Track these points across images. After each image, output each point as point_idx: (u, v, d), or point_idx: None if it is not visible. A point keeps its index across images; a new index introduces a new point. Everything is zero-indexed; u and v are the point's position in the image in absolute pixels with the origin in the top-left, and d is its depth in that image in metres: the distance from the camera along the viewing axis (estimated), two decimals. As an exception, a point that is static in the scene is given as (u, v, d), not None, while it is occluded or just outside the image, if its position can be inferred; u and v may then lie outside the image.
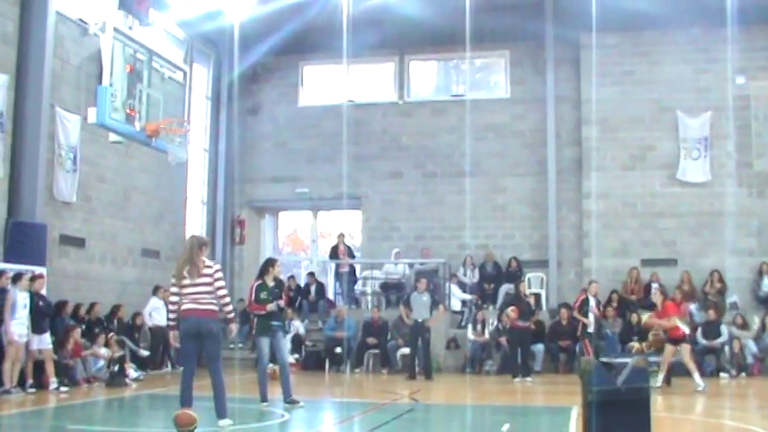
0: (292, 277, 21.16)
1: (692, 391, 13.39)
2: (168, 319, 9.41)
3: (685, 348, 13.95)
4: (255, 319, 11.41)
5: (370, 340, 18.29)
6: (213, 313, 8.85)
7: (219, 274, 8.89)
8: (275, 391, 11.53)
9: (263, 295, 11.24)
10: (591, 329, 16.49)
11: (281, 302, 11.37)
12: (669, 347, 14.09)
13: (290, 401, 11.13)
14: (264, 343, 11.31)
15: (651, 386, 13.24)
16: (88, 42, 16.31)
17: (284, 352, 11.52)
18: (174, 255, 19.85)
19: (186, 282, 8.76)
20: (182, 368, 9.04)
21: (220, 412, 8.87)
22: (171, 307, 9.13)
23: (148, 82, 13.24)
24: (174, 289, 8.94)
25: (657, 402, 11.47)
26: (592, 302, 16.58)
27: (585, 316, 16.46)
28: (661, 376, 13.98)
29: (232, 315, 9.41)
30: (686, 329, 14.01)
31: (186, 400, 8.82)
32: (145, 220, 19.04)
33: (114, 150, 17.04)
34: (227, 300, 9.09)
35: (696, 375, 13.78)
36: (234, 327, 9.36)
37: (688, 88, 19.88)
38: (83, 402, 12.11)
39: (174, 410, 8.11)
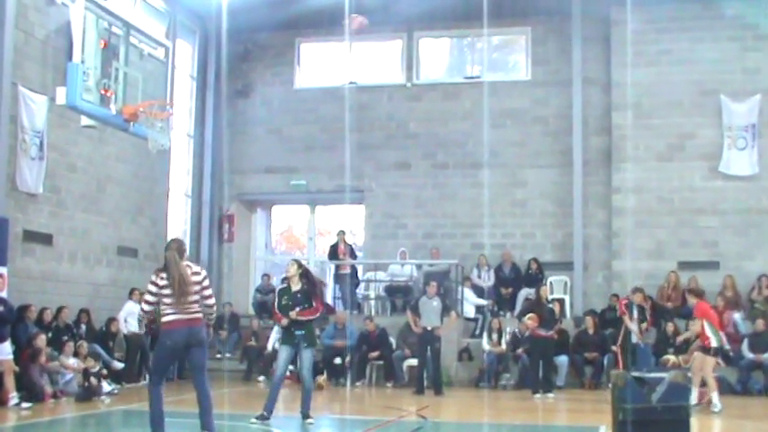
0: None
1: (719, 412, 13.13)
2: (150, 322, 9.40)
3: (709, 362, 13.54)
4: (280, 328, 11.72)
5: (373, 355, 18.18)
6: (201, 321, 8.93)
7: (207, 282, 8.98)
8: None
9: (284, 301, 11.42)
10: (635, 339, 16.29)
11: (296, 313, 11.30)
12: (699, 356, 13.68)
13: (305, 416, 11.33)
14: (283, 353, 11.45)
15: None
16: (56, 13, 16.22)
17: (307, 368, 11.51)
18: (154, 253, 19.87)
19: (170, 291, 8.70)
20: (152, 389, 8.92)
21: (209, 425, 8.83)
22: (145, 315, 9.26)
23: (125, 59, 13.17)
24: (152, 298, 8.82)
25: (696, 424, 11.33)
26: (635, 312, 16.36)
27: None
28: (695, 391, 13.47)
29: (213, 323, 9.54)
30: (714, 340, 13.64)
31: (160, 423, 8.77)
32: (121, 215, 18.97)
33: (86, 136, 16.94)
34: (215, 309, 9.21)
35: (715, 395, 13.43)
36: (210, 332, 9.35)
37: (734, 69, 19.72)
38: (48, 420, 12.03)
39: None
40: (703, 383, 13.86)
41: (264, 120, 22.52)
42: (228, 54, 21.88)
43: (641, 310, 16.51)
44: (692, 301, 14.46)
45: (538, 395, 15.73)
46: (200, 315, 8.86)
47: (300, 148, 22.12)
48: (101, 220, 18.25)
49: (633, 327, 16.20)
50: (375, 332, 18.33)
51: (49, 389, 14.00)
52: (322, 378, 17.23)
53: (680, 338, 15.43)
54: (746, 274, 18.97)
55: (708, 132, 19.76)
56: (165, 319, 8.78)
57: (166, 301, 8.72)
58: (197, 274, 8.85)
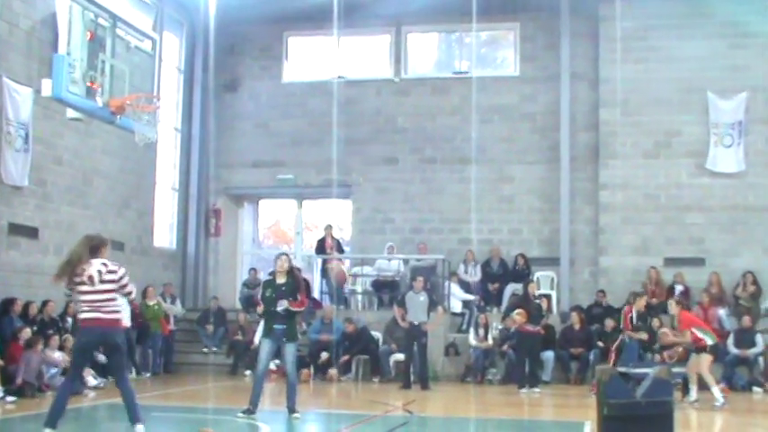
0: (298, 269, 20.95)
1: (711, 408, 13.25)
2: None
3: (705, 359, 13.79)
4: (261, 321, 11.84)
5: (358, 357, 18.15)
6: (118, 322, 8.92)
7: (126, 279, 8.93)
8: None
9: (268, 293, 11.47)
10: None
11: (284, 304, 11.33)
12: (694, 357, 13.98)
13: (290, 410, 11.36)
14: (265, 346, 11.45)
15: (687, 401, 13.28)
16: (41, 4, 16.11)
17: (290, 362, 11.52)
18: (141, 247, 19.86)
19: (85, 288, 8.72)
20: (63, 381, 8.98)
21: (136, 416, 8.80)
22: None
23: (112, 52, 13.10)
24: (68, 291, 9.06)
25: (680, 419, 11.38)
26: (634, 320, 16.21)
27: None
28: (694, 389, 13.85)
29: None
30: (708, 339, 13.85)
31: (56, 418, 8.74)
32: (107, 208, 18.89)
33: (73, 128, 16.85)
34: (132, 288, 9.16)
35: (715, 389, 13.61)
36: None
37: (721, 66, 19.77)
38: (34, 414, 11.95)
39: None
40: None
41: (252, 114, 22.47)
42: (216, 47, 21.84)
43: (644, 318, 16.20)
44: (673, 309, 14.44)
45: (524, 390, 15.80)
46: (116, 316, 8.83)
47: (288, 143, 22.09)
48: (87, 214, 18.15)
49: (642, 335, 15.69)
50: (354, 333, 18.27)
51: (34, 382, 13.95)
52: (306, 372, 17.25)
53: (668, 340, 15.20)
54: (732, 270, 19.05)
55: (694, 129, 19.81)
56: (81, 316, 8.89)
57: (82, 298, 8.76)
58: (113, 272, 8.81)
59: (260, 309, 11.47)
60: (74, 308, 16.29)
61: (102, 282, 8.71)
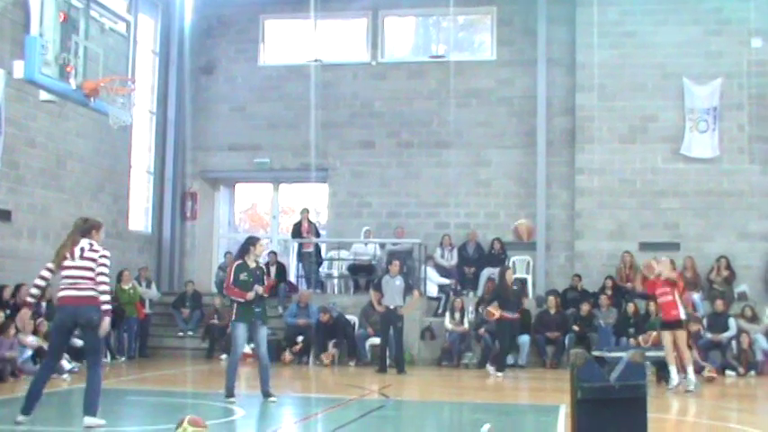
0: (274, 253, 20.96)
1: (685, 391, 13.25)
2: (30, 294, 9.23)
3: (681, 336, 13.45)
4: (235, 304, 11.46)
5: (332, 345, 18.12)
6: (94, 300, 8.80)
7: (104, 269, 8.84)
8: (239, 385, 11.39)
9: (243, 276, 11.34)
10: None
11: (260, 289, 11.32)
12: (666, 335, 13.62)
13: (266, 394, 11.32)
14: (242, 330, 11.38)
15: (672, 388, 13.22)
16: (11, -17, 15.95)
17: (264, 344, 11.52)
18: (116, 231, 19.72)
19: (66, 263, 8.79)
20: (41, 364, 8.92)
21: (91, 408, 8.69)
22: (38, 282, 9.03)
23: (86, 33, 12.93)
24: (50, 265, 8.93)
25: (654, 403, 11.47)
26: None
27: None
28: (674, 371, 13.53)
29: (107, 307, 8.91)
30: (682, 312, 13.63)
31: (32, 404, 8.70)
32: (82, 192, 18.77)
33: (46, 111, 16.73)
34: (107, 288, 8.93)
35: (690, 370, 13.42)
36: (107, 322, 8.94)
37: (697, 52, 19.87)
38: (7, 399, 11.89)
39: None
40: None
41: (228, 97, 22.34)
42: (192, 30, 21.73)
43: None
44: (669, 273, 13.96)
45: (492, 370, 15.87)
46: (91, 294, 8.74)
47: (264, 126, 22.00)
48: (61, 197, 18.04)
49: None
50: (330, 322, 18.23)
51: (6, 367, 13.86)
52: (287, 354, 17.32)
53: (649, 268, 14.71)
54: (706, 255, 19.21)
55: (670, 115, 19.91)
56: (58, 294, 8.90)
57: (61, 274, 8.80)
58: (95, 251, 8.82)
59: (250, 295, 11.23)
60: (48, 292, 16.24)
61: (82, 258, 8.72)
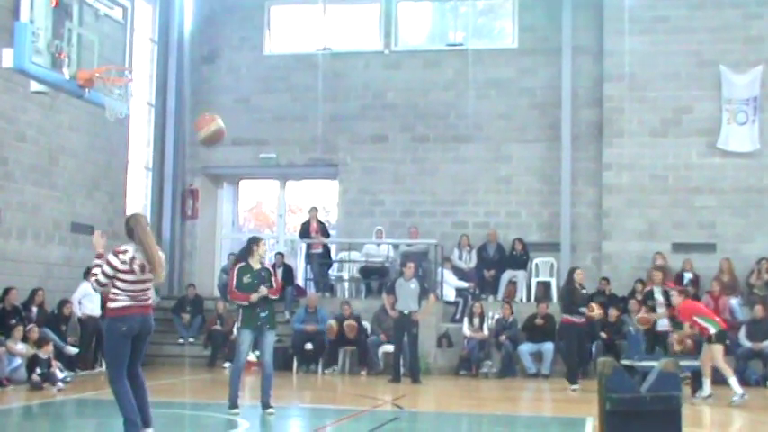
0: (281, 254, 20.97)
1: (729, 403, 13.24)
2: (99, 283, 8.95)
3: (717, 349, 13.58)
4: (240, 309, 11.45)
5: (344, 348, 18.18)
6: (151, 309, 8.91)
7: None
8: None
9: (247, 279, 11.31)
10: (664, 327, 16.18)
11: (264, 290, 11.28)
12: (705, 347, 13.73)
13: (265, 405, 11.26)
14: (246, 337, 11.35)
15: (700, 397, 13.20)
16: (0, -34, 15.99)
17: (270, 352, 11.48)
18: (113, 231, 19.64)
19: (134, 277, 8.54)
20: (117, 376, 8.75)
21: (149, 420, 8.72)
22: (100, 288, 8.89)
23: (79, 20, 12.93)
24: (109, 271, 8.56)
25: (689, 415, 11.39)
26: (658, 296, 16.24)
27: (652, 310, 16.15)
28: (707, 383, 13.60)
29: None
30: (711, 327, 13.68)
31: (137, 419, 8.58)
32: (75, 189, 18.82)
33: (37, 102, 16.79)
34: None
35: (733, 380, 13.47)
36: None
37: (735, 38, 19.76)
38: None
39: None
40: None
41: (231, 88, 22.36)
42: (193, 16, 21.74)
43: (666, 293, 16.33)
44: (676, 300, 14.37)
45: (575, 386, 15.61)
46: (151, 303, 8.84)
47: (270, 119, 22.02)
48: (53, 195, 18.09)
49: (653, 315, 15.93)
50: (336, 333, 18.16)
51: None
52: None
53: (674, 339, 15.22)
54: (745, 257, 19.09)
55: (706, 106, 19.80)
56: (117, 304, 8.55)
57: (121, 285, 8.51)
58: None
59: (254, 297, 11.22)
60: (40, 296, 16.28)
61: (160, 266, 8.64)
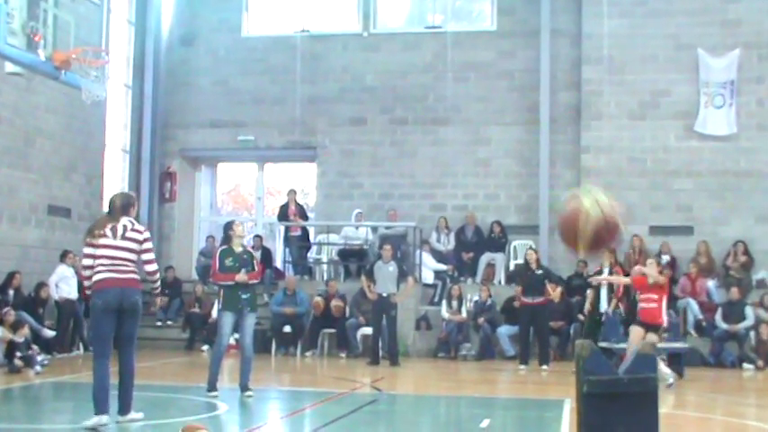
0: (259, 236, 20.93)
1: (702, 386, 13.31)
2: (86, 288, 9.11)
3: (652, 339, 12.89)
4: (221, 292, 11.46)
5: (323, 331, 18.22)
6: (137, 283, 8.78)
7: (149, 244, 8.83)
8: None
9: (229, 262, 11.33)
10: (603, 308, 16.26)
11: (243, 276, 11.26)
12: (639, 330, 13.28)
13: (243, 388, 11.25)
14: (228, 320, 11.34)
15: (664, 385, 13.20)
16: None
17: (250, 334, 11.49)
18: (90, 214, 19.63)
19: (105, 241, 8.55)
20: (97, 353, 8.71)
21: (127, 407, 8.74)
22: (85, 273, 8.85)
23: (55, 1, 12.86)
24: (87, 250, 8.69)
25: (663, 397, 11.48)
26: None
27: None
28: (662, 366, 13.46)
29: (159, 288, 9.42)
30: (665, 320, 13.53)
31: (104, 400, 8.53)
32: (52, 171, 18.70)
33: (12, 84, 16.65)
34: (157, 276, 9.08)
35: (662, 365, 12.97)
36: (160, 300, 9.17)
37: (713, 21, 19.78)
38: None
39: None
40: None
41: (209, 70, 22.25)
42: (170, -3, 21.55)
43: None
44: (649, 270, 13.72)
45: (523, 367, 15.76)
46: (135, 276, 8.72)
47: (248, 101, 21.92)
48: (29, 177, 17.97)
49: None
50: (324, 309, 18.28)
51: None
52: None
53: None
54: (722, 239, 19.19)
55: (683, 89, 19.85)
56: (96, 277, 8.59)
57: (98, 253, 8.56)
58: (137, 231, 8.72)
59: (239, 277, 11.19)
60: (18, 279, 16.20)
61: (124, 238, 8.59)
